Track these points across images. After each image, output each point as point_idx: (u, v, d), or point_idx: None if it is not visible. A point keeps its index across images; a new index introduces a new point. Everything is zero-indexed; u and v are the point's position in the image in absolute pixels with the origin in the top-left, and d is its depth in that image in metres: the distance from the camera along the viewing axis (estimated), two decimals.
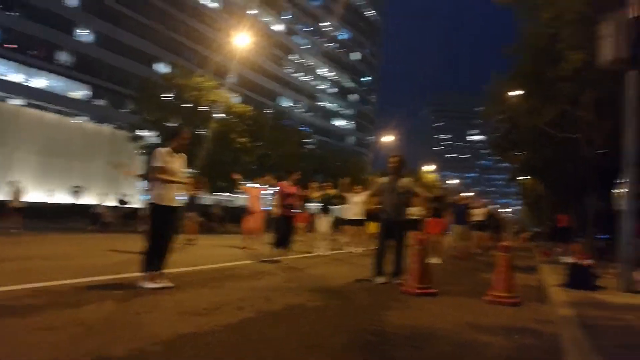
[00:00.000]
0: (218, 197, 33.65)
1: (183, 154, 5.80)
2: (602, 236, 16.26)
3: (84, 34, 44.54)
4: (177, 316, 4.09)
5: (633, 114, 6.30)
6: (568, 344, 3.38)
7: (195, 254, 10.27)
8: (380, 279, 7.01)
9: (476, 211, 15.31)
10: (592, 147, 13.43)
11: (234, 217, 29.54)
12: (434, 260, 10.90)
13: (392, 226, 7.18)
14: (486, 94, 17.65)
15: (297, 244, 13.18)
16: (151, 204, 5.55)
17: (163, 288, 5.32)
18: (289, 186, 9.35)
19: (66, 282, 5.47)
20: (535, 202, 49.56)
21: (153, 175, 5.50)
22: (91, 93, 45.10)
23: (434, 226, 11.56)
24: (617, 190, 6.82)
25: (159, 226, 5.50)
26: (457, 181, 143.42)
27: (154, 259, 5.43)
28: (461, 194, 13.67)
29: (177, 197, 5.64)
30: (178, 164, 5.68)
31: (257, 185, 12.76)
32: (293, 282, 6.67)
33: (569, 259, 7.20)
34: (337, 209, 19.50)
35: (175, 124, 26.27)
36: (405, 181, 7.35)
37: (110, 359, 2.86)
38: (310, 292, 5.79)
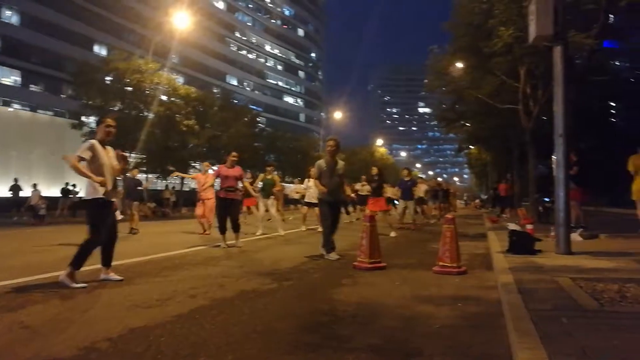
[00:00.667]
0: (169, 182, 32.92)
1: (110, 148, 5.50)
2: (545, 199, 17.15)
3: (10, 16, 41.79)
4: (127, 310, 4.05)
5: (561, 87, 6.64)
6: (506, 310, 3.60)
7: (147, 242, 10.09)
8: (334, 256, 7.30)
9: (420, 187, 16.84)
10: (530, 116, 14.03)
11: (187, 201, 29.10)
12: (392, 234, 11.43)
13: (334, 206, 7.62)
14: (428, 69, 18.04)
15: (249, 227, 13.18)
16: (84, 200, 5.32)
17: (84, 287, 5.00)
18: (226, 168, 9.14)
19: (7, 282, 5.23)
20: (482, 170, 51.60)
21: (71, 164, 5.12)
22: (20, 79, 42.52)
23: (373, 204, 12.08)
24: (553, 158, 7.22)
25: (98, 220, 5.26)
26: (404, 154, 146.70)
27: (87, 255, 5.17)
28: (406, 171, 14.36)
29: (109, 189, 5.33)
30: (109, 156, 5.41)
31: (208, 170, 12.62)
32: (246, 266, 6.70)
33: (512, 226, 7.54)
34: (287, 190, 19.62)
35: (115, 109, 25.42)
36: (341, 163, 7.75)
37: None
38: (263, 275, 5.85)
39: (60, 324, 3.63)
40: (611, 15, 12.07)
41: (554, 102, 6.71)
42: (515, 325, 3.02)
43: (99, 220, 5.25)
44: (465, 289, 5.00)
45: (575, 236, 8.28)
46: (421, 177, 20.96)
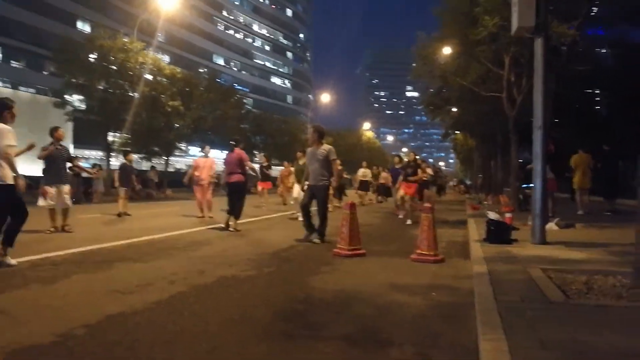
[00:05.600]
0: (153, 163, 32.62)
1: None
2: (526, 185, 17.34)
3: None
4: (106, 296, 4.08)
5: (540, 79, 6.70)
6: (477, 301, 3.70)
7: (129, 225, 10.09)
8: (315, 238, 7.66)
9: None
10: (514, 104, 14.13)
11: (173, 182, 28.88)
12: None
13: (314, 190, 7.82)
14: (415, 55, 17.98)
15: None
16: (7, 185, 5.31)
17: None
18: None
19: None
20: (468, 156, 51.97)
21: (9, 154, 5.27)
22: (1, 55, 41.59)
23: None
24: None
25: (9, 205, 5.39)
26: (391, 138, 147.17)
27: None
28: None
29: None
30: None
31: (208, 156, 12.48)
32: (229, 250, 6.76)
33: (492, 214, 7.64)
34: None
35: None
36: (324, 148, 7.87)
37: (32, 349, 2.85)
38: (244, 261, 5.91)
39: (39, 310, 3.66)
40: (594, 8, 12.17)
41: (534, 94, 6.77)
42: (483, 317, 3.12)
43: (8, 205, 5.41)
44: (441, 278, 5.11)
45: (552, 225, 8.46)
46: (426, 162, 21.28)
